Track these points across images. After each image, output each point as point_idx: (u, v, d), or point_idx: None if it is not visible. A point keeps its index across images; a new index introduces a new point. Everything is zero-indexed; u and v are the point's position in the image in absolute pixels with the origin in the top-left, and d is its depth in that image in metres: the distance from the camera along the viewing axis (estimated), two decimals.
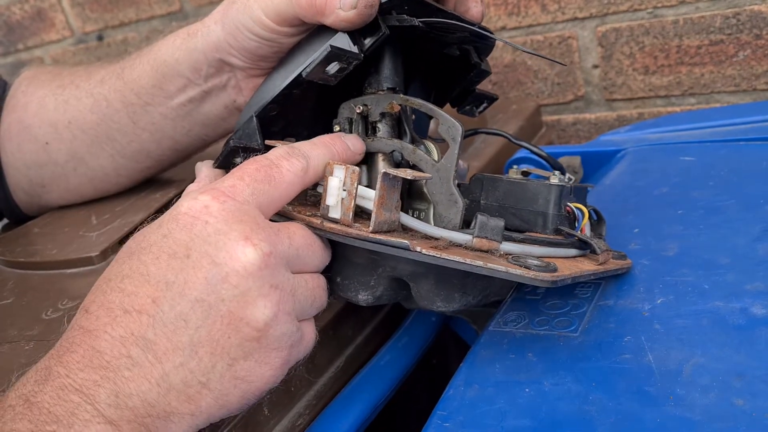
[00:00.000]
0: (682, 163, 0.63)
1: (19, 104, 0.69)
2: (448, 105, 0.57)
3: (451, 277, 0.44)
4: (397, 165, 0.48)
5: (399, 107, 0.47)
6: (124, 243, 0.41)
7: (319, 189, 0.45)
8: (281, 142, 0.47)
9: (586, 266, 0.45)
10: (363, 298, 0.46)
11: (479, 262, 0.39)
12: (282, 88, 0.48)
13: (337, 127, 0.49)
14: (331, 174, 0.43)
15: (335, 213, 0.43)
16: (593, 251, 0.46)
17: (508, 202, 0.48)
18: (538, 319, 0.47)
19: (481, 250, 0.42)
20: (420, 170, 0.45)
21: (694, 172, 0.61)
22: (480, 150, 0.79)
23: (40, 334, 0.51)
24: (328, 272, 0.45)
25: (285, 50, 0.51)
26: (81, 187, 0.70)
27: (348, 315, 0.56)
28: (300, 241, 0.41)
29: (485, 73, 0.54)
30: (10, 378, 0.39)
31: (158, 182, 0.71)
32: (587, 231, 0.49)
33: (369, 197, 0.43)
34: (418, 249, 0.39)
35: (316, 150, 0.44)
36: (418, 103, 0.46)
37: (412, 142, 0.47)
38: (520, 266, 0.40)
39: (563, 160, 0.72)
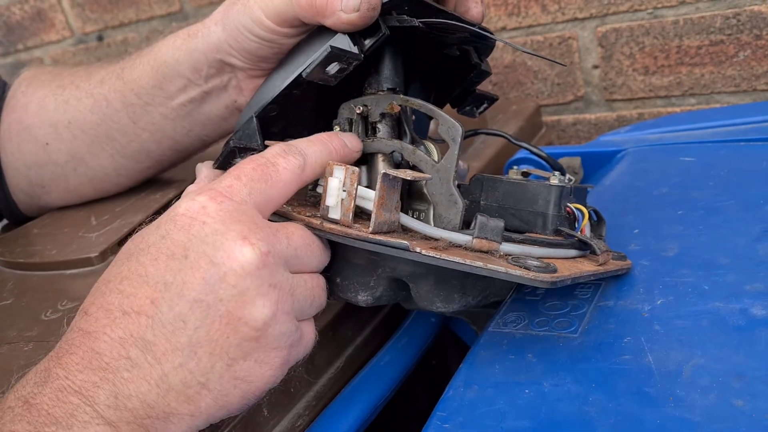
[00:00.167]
0: (682, 164, 0.63)
1: (19, 105, 0.69)
2: (448, 105, 0.57)
3: (451, 277, 0.44)
4: (397, 165, 0.48)
5: (399, 108, 0.47)
6: (124, 244, 0.41)
7: (319, 189, 0.45)
8: (281, 142, 0.47)
9: (586, 267, 0.45)
10: (362, 298, 0.46)
11: (479, 263, 0.39)
12: (282, 88, 0.48)
13: (337, 128, 0.49)
14: (331, 174, 0.43)
15: (335, 213, 0.43)
16: (593, 252, 0.46)
17: (507, 203, 0.48)
18: (538, 320, 0.47)
19: (481, 251, 0.42)
20: (420, 171, 0.45)
21: (694, 173, 0.61)
22: (480, 150, 0.79)
23: (40, 335, 0.51)
24: (327, 273, 0.45)
25: (285, 51, 0.51)
26: (81, 187, 0.70)
27: (348, 316, 0.56)
28: (298, 241, 0.41)
29: (485, 74, 0.54)
30: (9, 380, 0.39)
31: (158, 183, 0.71)
32: (587, 232, 0.49)
33: (369, 198, 0.43)
34: (418, 250, 0.39)
35: (312, 147, 0.44)
36: (418, 103, 0.46)
37: (412, 142, 0.47)
38: (520, 267, 0.40)
39: (563, 161, 0.72)
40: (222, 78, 0.57)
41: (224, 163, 0.49)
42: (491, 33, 0.49)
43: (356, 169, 0.42)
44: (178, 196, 0.46)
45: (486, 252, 0.42)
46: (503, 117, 0.90)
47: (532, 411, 0.39)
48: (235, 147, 0.48)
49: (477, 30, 0.48)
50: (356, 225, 0.43)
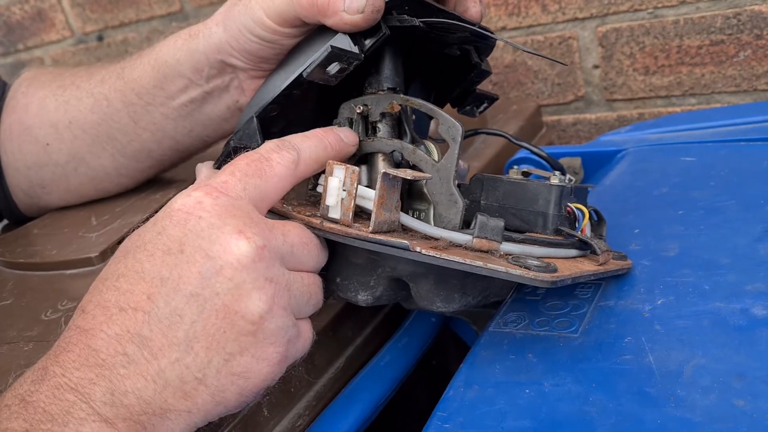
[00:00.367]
0: (682, 164, 0.63)
1: (20, 105, 0.69)
2: (448, 105, 0.57)
3: (451, 277, 0.44)
4: (397, 165, 0.48)
5: (399, 107, 0.47)
6: None
7: (319, 189, 0.45)
8: (276, 139, 0.47)
9: (587, 267, 0.45)
10: (362, 298, 0.46)
11: (479, 263, 0.39)
12: (282, 88, 0.48)
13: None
14: (331, 174, 0.43)
15: (335, 213, 0.43)
16: (593, 252, 0.46)
17: (508, 203, 0.48)
18: (538, 320, 0.47)
19: (481, 251, 0.42)
20: (420, 170, 0.45)
21: (695, 173, 0.61)
22: (480, 150, 0.79)
23: (40, 335, 0.51)
24: (327, 273, 0.45)
25: (286, 52, 0.51)
26: (82, 187, 0.70)
27: (348, 316, 0.56)
28: (295, 238, 0.41)
29: (485, 74, 0.54)
30: (7, 379, 0.39)
31: (158, 183, 0.71)
32: (587, 231, 0.49)
33: (369, 197, 0.43)
34: (418, 249, 0.39)
35: (307, 142, 0.44)
36: (419, 103, 0.46)
37: (413, 142, 0.47)
38: (520, 267, 0.40)
39: (564, 161, 0.72)
40: (223, 78, 0.57)
41: (224, 164, 0.49)
42: (491, 32, 0.49)
43: (356, 168, 0.42)
44: None
45: (486, 252, 0.42)
46: (503, 117, 0.90)
47: (533, 411, 0.39)
48: (236, 147, 0.48)
49: (477, 29, 0.48)
50: (356, 224, 0.42)
